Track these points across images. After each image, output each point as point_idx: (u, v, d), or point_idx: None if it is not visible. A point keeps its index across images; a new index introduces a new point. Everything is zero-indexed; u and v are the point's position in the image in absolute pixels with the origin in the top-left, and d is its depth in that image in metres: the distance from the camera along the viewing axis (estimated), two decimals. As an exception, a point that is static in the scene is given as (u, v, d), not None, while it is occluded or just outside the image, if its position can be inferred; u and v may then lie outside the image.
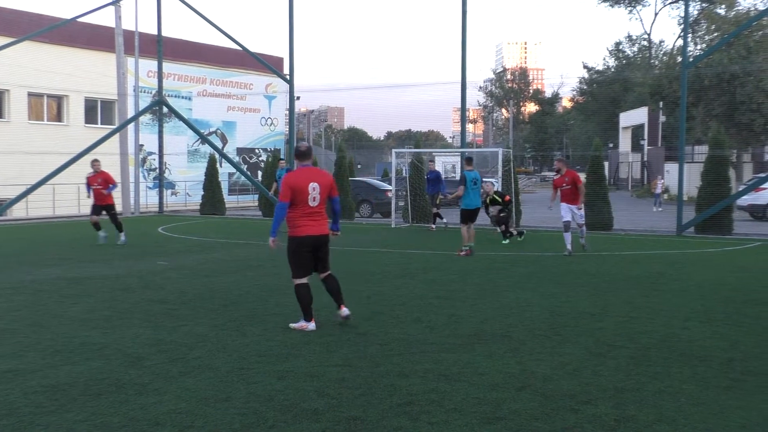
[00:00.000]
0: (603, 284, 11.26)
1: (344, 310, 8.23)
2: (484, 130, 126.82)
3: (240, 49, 28.79)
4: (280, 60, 43.77)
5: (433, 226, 21.63)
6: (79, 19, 27.81)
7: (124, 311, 8.88)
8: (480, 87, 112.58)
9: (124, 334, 7.63)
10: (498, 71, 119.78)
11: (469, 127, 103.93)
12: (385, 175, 42.45)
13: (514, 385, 5.88)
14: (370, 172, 66.54)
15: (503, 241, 17.82)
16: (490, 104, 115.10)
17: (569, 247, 15.03)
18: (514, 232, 18.43)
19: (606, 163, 38.14)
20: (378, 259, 14.52)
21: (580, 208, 15.36)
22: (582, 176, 16.53)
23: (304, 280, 8.03)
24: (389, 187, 27.25)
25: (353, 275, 12.12)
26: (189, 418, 5.07)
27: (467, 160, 15.79)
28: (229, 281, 11.40)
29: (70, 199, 31.29)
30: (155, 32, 29.72)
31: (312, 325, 7.97)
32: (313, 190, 7.91)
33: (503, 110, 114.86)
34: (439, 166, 49.69)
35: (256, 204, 31.84)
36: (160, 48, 29.34)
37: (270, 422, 5.00)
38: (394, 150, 26.63)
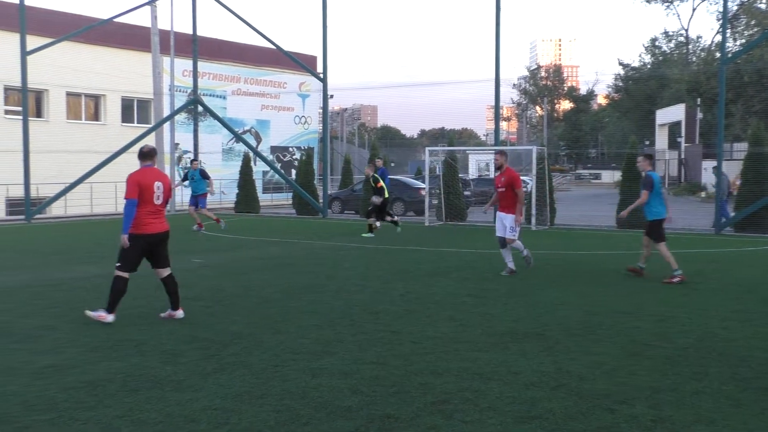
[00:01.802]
0: (638, 283, 11.13)
1: (179, 313, 8.44)
2: (518, 128, 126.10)
3: (274, 48, 28.92)
4: (314, 59, 43.91)
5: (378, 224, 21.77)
6: (116, 19, 28.13)
7: (160, 308, 8.97)
8: (514, 84, 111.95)
9: (160, 331, 7.71)
10: (532, 68, 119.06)
11: (503, 125, 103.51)
12: (418, 174, 42.38)
13: (548, 384, 5.84)
14: (404, 170, 66.53)
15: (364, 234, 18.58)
16: (524, 102, 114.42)
17: (510, 265, 11.97)
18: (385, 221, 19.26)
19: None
20: (411, 257, 14.51)
21: (516, 221, 11.87)
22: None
23: (126, 275, 8.21)
24: (423, 186, 27.22)
25: (387, 273, 12.13)
26: (224, 414, 5.11)
27: (647, 157, 12.42)
28: (264, 279, 11.46)
29: (108, 197, 31.71)
30: (190, 32, 29.98)
31: (111, 318, 8.11)
32: (158, 188, 8.25)
33: (537, 108, 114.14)
34: (472, 165, 49.60)
35: (290, 202, 31.96)
36: (195, 47, 29.58)
37: (304, 419, 5.02)
38: (427, 148, 26.59)
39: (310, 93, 47.24)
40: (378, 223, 19.09)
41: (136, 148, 27.30)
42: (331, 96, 35.43)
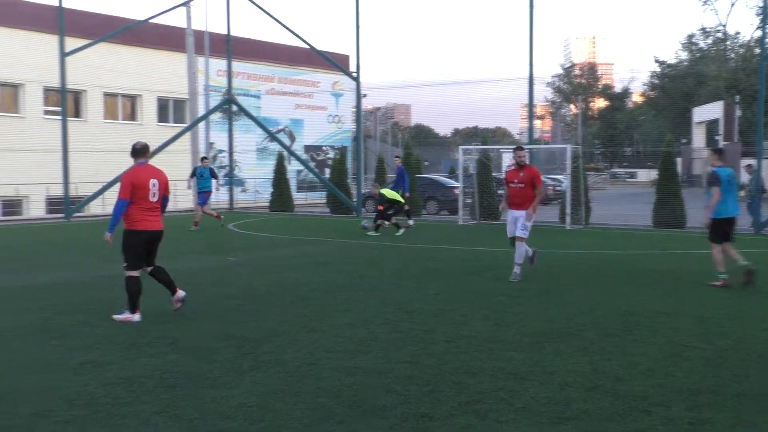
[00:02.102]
0: (676, 283, 10.99)
1: (181, 293, 8.58)
2: (552, 127, 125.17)
3: (307, 47, 29.03)
4: (347, 58, 43.97)
5: (411, 222, 21.73)
6: (152, 20, 28.43)
7: (196, 306, 9.05)
8: (547, 83, 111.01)
9: (196, 329, 7.78)
10: (566, 66, 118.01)
11: (537, 123, 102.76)
12: (451, 172, 42.25)
13: (584, 384, 5.79)
14: (437, 169, 66.36)
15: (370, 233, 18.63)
16: (558, 100, 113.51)
17: (517, 269, 11.27)
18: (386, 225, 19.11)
19: (678, 160, 37.25)
20: (445, 256, 14.48)
21: (528, 217, 11.24)
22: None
23: (137, 273, 8.27)
24: (456, 184, 27.14)
25: (421, 272, 12.12)
26: (259, 412, 5.14)
27: (715, 152, 11.52)
28: (298, 277, 11.51)
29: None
30: (225, 32, 30.22)
31: (137, 317, 8.17)
32: (153, 186, 8.29)
33: (571, 106, 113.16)
34: (506, 163, 49.28)
35: (324, 201, 32.06)
36: (230, 47, 29.80)
37: (339, 417, 5.03)
38: (461, 147, 26.51)
39: (343, 92, 47.35)
40: (387, 223, 19.26)
41: (173, 147, 27.79)
42: (365, 95, 35.51)
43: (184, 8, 29.21)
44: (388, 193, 19.56)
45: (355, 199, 27.66)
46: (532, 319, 8.28)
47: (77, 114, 35.22)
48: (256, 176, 41.01)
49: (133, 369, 6.21)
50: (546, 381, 5.87)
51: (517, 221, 11.28)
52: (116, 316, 8.24)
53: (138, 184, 8.20)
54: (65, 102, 25.27)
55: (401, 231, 18.87)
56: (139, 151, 8.47)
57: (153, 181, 8.31)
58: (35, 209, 30.66)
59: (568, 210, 20.82)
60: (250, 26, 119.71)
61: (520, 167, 11.37)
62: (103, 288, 10.45)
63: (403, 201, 19.62)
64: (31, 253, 15.04)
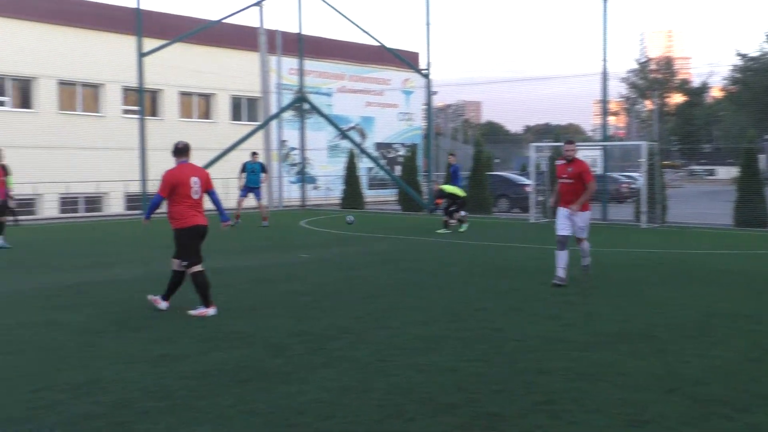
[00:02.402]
0: (760, 284, 10.63)
1: (164, 304, 8.58)
2: (626, 123, 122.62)
3: (378, 45, 29.11)
4: (417, 55, 43.94)
5: (454, 221, 21.47)
6: (225, 20, 28.93)
7: (268, 302, 9.18)
8: (622, 78, 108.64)
9: (269, 324, 7.89)
10: (641, 61, 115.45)
11: (611, 119, 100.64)
12: (523, 170, 41.79)
13: (661, 387, 5.65)
14: (509, 166, 65.72)
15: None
16: (633, 96, 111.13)
17: (560, 272, 10.37)
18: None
19: (762, 156, 35.98)
20: (516, 254, 14.34)
21: (578, 215, 10.57)
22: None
23: (200, 267, 8.45)
24: (528, 182, 26.84)
25: (490, 270, 12.03)
26: (330, 408, 5.18)
27: None
28: (369, 274, 11.56)
29: (219, 193, 32.64)
30: (297, 31, 30.55)
31: (212, 310, 8.33)
32: (195, 183, 8.50)
33: (647, 102, 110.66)
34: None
35: (395, 198, 32.12)
36: (301, 46, 30.12)
37: (409, 415, 5.03)
38: (532, 144, 26.20)
39: (413, 89, 47.33)
40: (453, 221, 19.29)
41: (246, 145, 28.21)
42: (435, 92, 35.38)
43: (257, 8, 29.65)
44: (447, 188, 19.52)
45: (425, 197, 27.62)
46: (605, 319, 8.12)
47: (154, 113, 36.09)
48: (327, 174, 41.36)
49: (208, 363, 6.34)
50: (620, 383, 5.76)
51: (572, 221, 10.53)
52: (192, 312, 8.41)
53: (180, 182, 8.45)
54: (143, 101, 25.94)
55: (464, 226, 18.81)
56: (181, 150, 8.75)
57: (194, 179, 8.55)
58: (114, 206, 31.56)
59: (643, 208, 20.36)
60: (321, 25, 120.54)
61: (569, 162, 10.65)
62: (179, 283, 10.65)
63: (463, 195, 19.56)
64: (111, 248, 15.48)
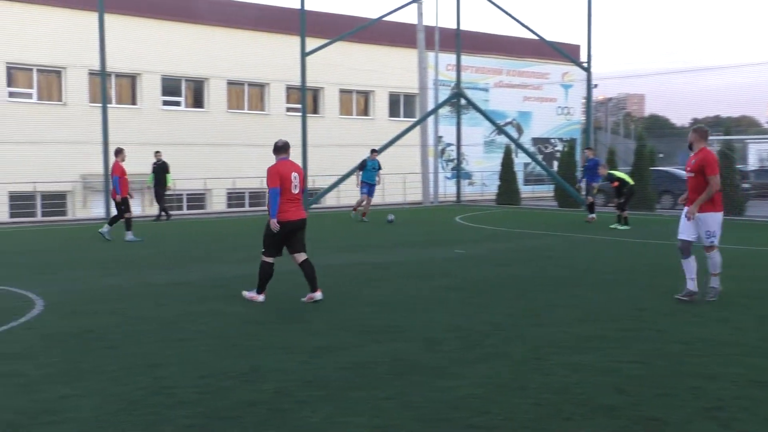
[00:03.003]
0: None
1: (318, 294, 8.93)
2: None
3: (536, 38, 28.63)
4: (577, 48, 42.84)
5: (593, 215, 20.52)
6: (384, 18, 29.38)
7: (424, 296, 9.26)
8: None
9: (424, 319, 7.95)
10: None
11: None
12: (689, 165, 39.80)
13: (842, 398, 5.23)
14: (673, 161, 62.92)
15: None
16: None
17: (690, 285, 8.84)
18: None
19: None
20: (669, 252, 13.66)
21: (702, 218, 8.83)
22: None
23: (272, 260, 8.93)
24: (694, 177, 25.58)
25: (652, 269, 11.56)
26: (484, 404, 5.15)
27: None
28: (524, 271, 11.41)
29: (376, 189, 33.25)
30: (454, 27, 30.58)
31: (262, 298, 8.92)
32: (295, 179, 8.91)
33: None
34: (752, 155, 45.73)
35: (552, 195, 31.54)
36: (459, 42, 30.12)
37: (565, 414, 4.93)
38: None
39: (573, 83, 46.21)
40: (592, 215, 19.57)
41: (403, 141, 28.55)
42: (595, 85, 34.40)
43: (415, 5, 29.92)
44: (617, 173, 18.98)
45: (584, 193, 26.93)
46: (781, 324, 7.61)
47: (315, 110, 37.23)
48: (483, 169, 41.17)
49: (364, 355, 6.47)
50: (796, 391, 5.37)
51: (700, 222, 8.83)
52: (245, 293, 9.04)
53: (283, 176, 8.82)
54: (305, 99, 26.83)
55: (626, 227, 18.18)
56: (281, 148, 9.10)
57: (294, 174, 8.93)
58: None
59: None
60: (479, 20, 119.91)
61: (694, 152, 9.02)
62: (334, 276, 10.96)
63: (632, 182, 18.97)
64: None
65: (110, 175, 16.31)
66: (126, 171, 16.03)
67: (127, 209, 15.99)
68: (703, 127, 9.18)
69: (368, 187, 21.13)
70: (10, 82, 29.39)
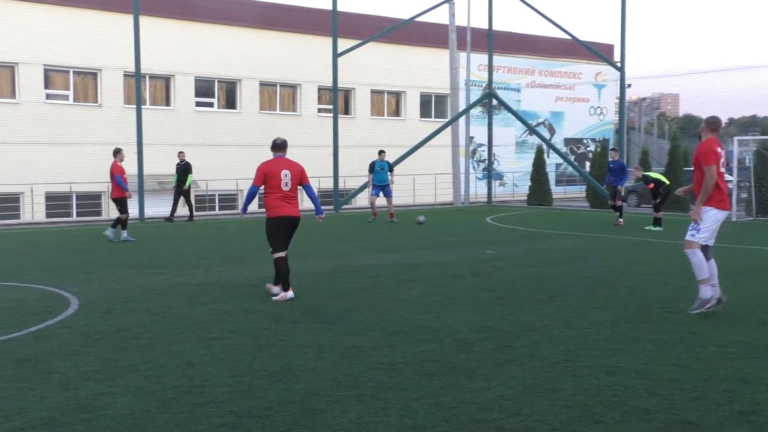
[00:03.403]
0: None
1: (289, 293, 9.06)
2: None
3: (569, 38, 28.45)
4: (611, 47, 42.51)
5: (621, 219, 20.12)
6: (415, 19, 29.36)
7: (455, 297, 9.24)
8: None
9: (455, 320, 7.94)
10: None
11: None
12: (725, 165, 39.32)
13: None
14: (708, 161, 62.13)
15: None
16: None
17: (704, 292, 8.03)
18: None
19: None
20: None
21: (693, 215, 8.22)
22: None
23: (282, 254, 9.09)
24: (730, 178, 25.25)
25: (686, 271, 11.38)
26: (515, 405, 5.14)
27: None
28: (556, 272, 11.34)
29: (406, 190, 33.31)
30: (486, 27, 30.48)
31: (290, 294, 9.03)
32: (285, 176, 9.06)
33: None
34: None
35: (584, 195, 31.32)
36: (491, 42, 30.02)
37: (597, 417, 4.90)
38: (735, 138, 24.61)
39: (606, 83, 45.86)
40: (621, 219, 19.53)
41: (434, 142, 28.56)
42: (629, 85, 34.14)
43: (446, 5, 29.87)
44: (652, 174, 18.83)
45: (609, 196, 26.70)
46: (819, 327, 7.48)
47: (346, 111, 37.34)
48: (514, 170, 41.00)
49: (395, 355, 6.48)
50: (834, 396, 5.28)
51: (716, 220, 8.14)
52: (274, 297, 9.06)
53: (270, 174, 9.05)
54: (336, 100, 26.90)
55: (659, 228, 18.02)
56: (278, 146, 9.36)
57: (285, 172, 9.10)
58: (308, 201, 32.99)
59: None
60: (511, 19, 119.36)
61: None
62: (366, 277, 10.99)
63: (668, 182, 18.75)
64: (305, 241, 16.17)
65: (111, 176, 16.23)
66: (125, 170, 16.29)
67: (124, 210, 16.17)
68: (712, 118, 8.44)
69: (378, 189, 21.01)
70: (48, 84, 29.87)
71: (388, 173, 21.02)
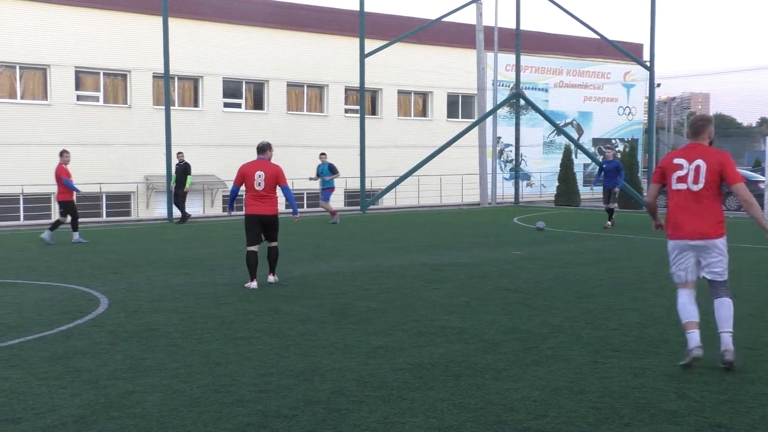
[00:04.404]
0: None
1: (271, 278, 10.31)
2: None
3: (598, 37, 28.26)
4: (640, 47, 42.16)
5: (609, 223, 19.59)
6: (443, 19, 29.31)
7: (481, 298, 9.22)
8: None
9: (481, 320, 7.92)
10: None
11: None
12: (756, 165, 38.91)
13: None
14: (740, 162, 61.45)
15: None
16: None
17: (692, 344, 6.02)
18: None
19: None
20: (746, 256, 13.33)
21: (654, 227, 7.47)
22: None
23: (253, 248, 9.97)
24: (761, 178, 24.94)
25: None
26: (542, 407, 5.11)
27: None
28: (583, 273, 11.27)
29: (433, 190, 33.29)
30: (514, 27, 30.35)
31: (254, 285, 9.87)
32: (258, 177, 9.85)
33: None
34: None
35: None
36: (518, 42, 29.89)
37: (625, 419, 4.86)
38: (767, 137, 24.30)
39: (635, 83, 45.47)
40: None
41: (461, 142, 28.52)
42: (658, 85, 33.83)
43: (474, 5, 29.79)
44: None
45: (644, 194, 26.49)
46: None
47: (373, 112, 37.37)
48: (542, 170, 40.79)
49: (421, 356, 6.47)
50: None
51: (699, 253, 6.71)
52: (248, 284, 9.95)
53: (246, 174, 9.93)
54: (363, 101, 26.94)
55: None
56: (259, 149, 10.21)
57: (259, 173, 9.87)
58: (335, 202, 33.08)
59: None
60: (538, 19, 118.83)
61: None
62: (394, 277, 10.99)
63: None
64: (329, 242, 16.22)
65: (57, 178, 15.80)
66: (71, 173, 16.04)
67: (67, 212, 15.88)
68: (695, 117, 6.92)
69: (325, 192, 21.08)
70: (78, 85, 30.24)
71: (330, 175, 20.85)
